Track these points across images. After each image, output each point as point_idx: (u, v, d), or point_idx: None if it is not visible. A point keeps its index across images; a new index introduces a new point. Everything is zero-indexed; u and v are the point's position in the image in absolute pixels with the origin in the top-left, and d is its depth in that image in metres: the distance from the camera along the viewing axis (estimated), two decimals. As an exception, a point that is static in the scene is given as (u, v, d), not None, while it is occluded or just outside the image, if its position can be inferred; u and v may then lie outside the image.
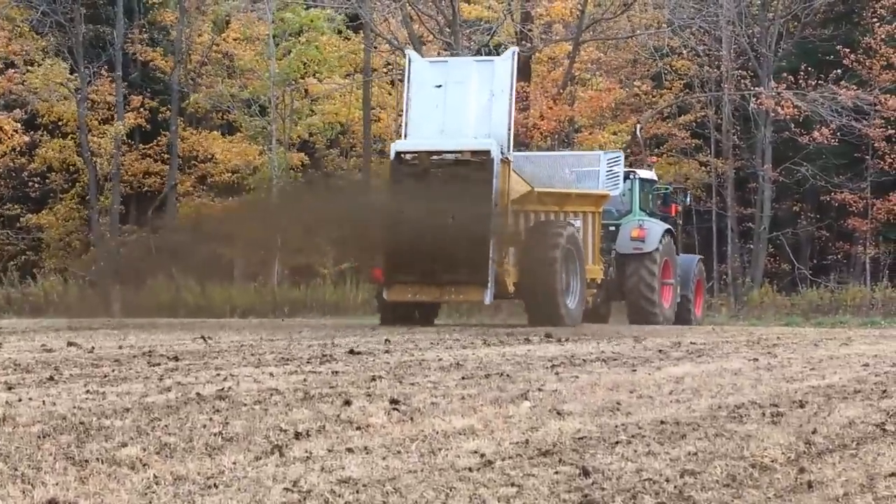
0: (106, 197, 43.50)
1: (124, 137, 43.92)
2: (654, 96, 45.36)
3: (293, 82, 43.82)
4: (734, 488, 7.64)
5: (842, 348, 19.71)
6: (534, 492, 7.38)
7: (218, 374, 13.35)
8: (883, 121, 41.59)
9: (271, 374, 13.41)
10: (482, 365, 15.08)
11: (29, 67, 42.33)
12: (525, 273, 25.69)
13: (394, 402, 10.84)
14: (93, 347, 17.47)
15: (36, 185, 44.13)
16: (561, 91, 41.52)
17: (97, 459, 8.01)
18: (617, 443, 9.03)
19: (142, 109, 43.77)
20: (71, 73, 42.34)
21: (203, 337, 19.99)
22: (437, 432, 9.32)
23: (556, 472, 7.89)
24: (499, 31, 41.45)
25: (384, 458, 8.26)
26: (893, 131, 41.91)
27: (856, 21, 44.94)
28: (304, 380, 12.82)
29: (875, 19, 42.92)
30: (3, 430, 9.05)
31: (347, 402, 10.78)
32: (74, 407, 10.35)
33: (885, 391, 12.73)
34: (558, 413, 10.45)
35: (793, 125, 41.60)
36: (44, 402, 10.69)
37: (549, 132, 41.18)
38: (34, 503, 6.97)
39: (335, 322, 29.69)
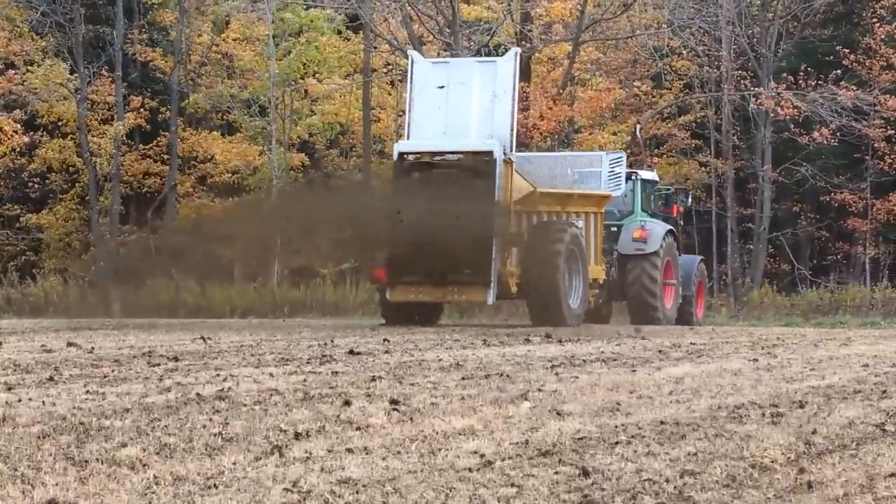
0: (106, 197, 43.49)
1: (124, 138, 43.91)
2: (653, 97, 45.36)
3: (293, 83, 43.81)
4: (734, 489, 7.64)
5: (842, 349, 19.70)
6: (534, 492, 7.38)
7: (218, 375, 13.35)
8: (883, 121, 41.58)
9: (271, 375, 13.41)
10: (482, 365, 15.08)
11: (29, 68, 42.32)
12: (528, 273, 25.74)
13: (394, 402, 10.85)
14: (92, 348, 17.46)
15: (36, 186, 44.12)
16: (561, 91, 41.52)
17: (97, 460, 8.01)
18: (617, 443, 9.03)
19: (142, 110, 43.76)
20: (71, 74, 42.33)
21: (203, 337, 19.99)
22: (437, 433, 9.32)
23: (556, 473, 7.89)
24: (498, 32, 41.45)
25: (384, 459, 8.26)
26: (893, 131, 41.90)
27: (855, 21, 44.94)
28: (304, 380, 12.82)
29: (875, 19, 42.91)
30: (3, 431, 9.05)
31: (347, 403, 10.78)
32: (74, 407, 10.36)
33: (884, 391, 12.74)
34: (558, 413, 10.45)
35: (792, 125, 41.60)
36: (43, 402, 10.69)
37: (549, 132, 41.18)
38: (34, 503, 6.97)
39: (335, 322, 29.70)
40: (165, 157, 44.44)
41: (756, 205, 43.22)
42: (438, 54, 38.96)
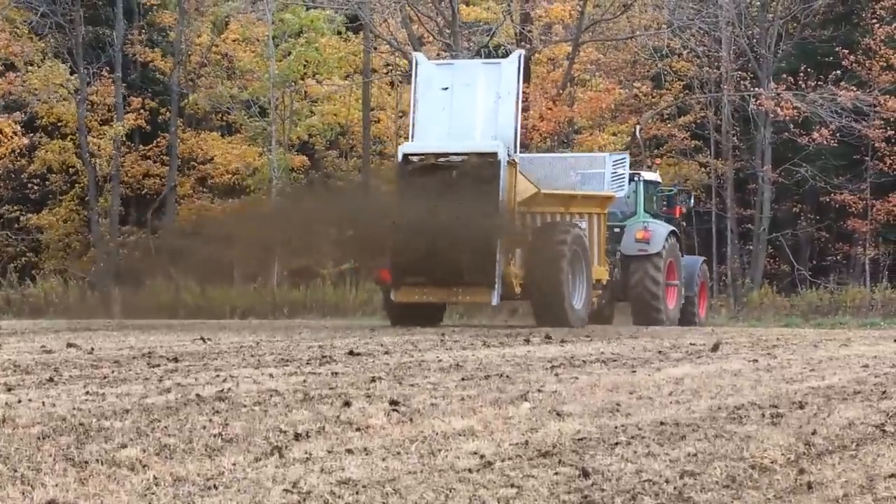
0: (105, 198, 43.48)
1: (124, 139, 43.92)
2: (653, 97, 45.35)
3: (293, 83, 43.81)
4: (734, 489, 7.64)
5: (841, 349, 19.70)
6: (533, 493, 7.39)
7: (217, 376, 13.35)
8: (882, 122, 41.57)
9: (271, 376, 13.41)
10: (482, 366, 15.09)
11: (29, 68, 42.32)
12: (532, 274, 25.82)
13: (393, 403, 10.85)
14: (92, 349, 17.46)
15: (35, 187, 44.12)
16: (560, 92, 41.51)
17: (97, 461, 8.01)
18: (616, 444, 9.03)
19: (141, 111, 43.75)
20: (70, 75, 42.32)
21: (203, 338, 20.00)
22: (437, 433, 9.32)
23: (556, 473, 7.89)
24: (498, 33, 41.46)
25: (384, 460, 8.26)
26: (893, 132, 41.89)
27: (855, 22, 44.93)
28: (304, 381, 12.82)
29: (874, 20, 42.91)
30: (3, 432, 9.05)
31: (347, 404, 10.78)
32: (74, 408, 10.36)
33: (884, 392, 12.73)
34: (558, 414, 10.45)
35: (792, 126, 41.59)
36: (43, 403, 10.69)
37: (549, 133, 41.18)
38: (34, 504, 6.98)
39: (335, 323, 29.71)
40: (165, 158, 44.44)
41: (756, 205, 43.21)
42: (438, 55, 38.96)
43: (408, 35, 40.67)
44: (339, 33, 45.73)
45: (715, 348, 18.64)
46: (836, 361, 16.96)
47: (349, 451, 8.53)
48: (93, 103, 43.61)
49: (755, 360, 16.59)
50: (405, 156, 25.82)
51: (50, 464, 7.91)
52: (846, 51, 42.24)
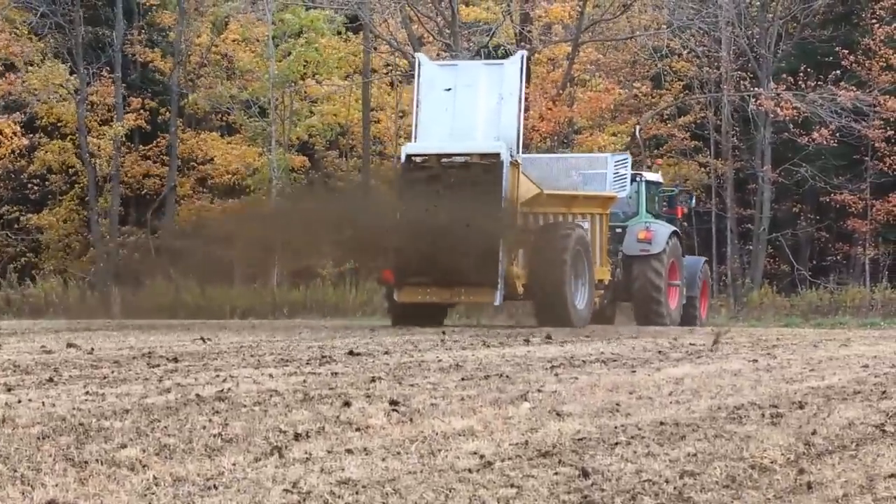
0: (105, 199, 43.49)
1: (123, 139, 43.92)
2: (653, 97, 45.36)
3: (293, 84, 43.81)
4: (734, 489, 7.64)
5: (841, 349, 19.70)
6: (533, 493, 7.39)
7: (217, 376, 13.35)
8: (882, 122, 41.59)
9: (271, 376, 13.41)
10: (482, 366, 15.09)
11: (29, 68, 42.32)
12: (534, 274, 25.86)
13: (393, 403, 10.85)
14: (92, 349, 17.46)
15: (35, 187, 44.13)
16: (560, 92, 41.51)
17: (97, 461, 8.01)
18: (616, 444, 9.04)
19: (141, 111, 43.76)
20: (70, 75, 42.32)
21: (202, 338, 20.00)
22: (437, 433, 9.32)
23: (556, 474, 7.89)
24: (498, 33, 41.47)
25: (384, 460, 8.26)
26: (893, 132, 41.90)
27: (855, 22, 44.94)
28: (304, 381, 12.82)
29: (874, 20, 42.92)
30: (3, 432, 9.05)
31: (347, 404, 10.78)
32: (74, 408, 10.36)
33: (884, 392, 12.73)
34: (558, 414, 10.45)
35: (792, 126, 41.60)
36: (43, 403, 10.69)
37: (549, 134, 41.18)
38: (34, 504, 6.98)
39: (335, 323, 29.71)
40: (165, 158, 44.45)
41: (756, 205, 43.22)
42: (438, 55, 38.97)
43: (408, 35, 40.68)
44: (339, 33, 45.74)
45: (716, 341, 18.64)
46: (836, 361, 16.96)
47: (349, 451, 8.53)
48: (93, 103, 43.61)
49: (755, 360, 16.59)
50: (408, 156, 25.88)
51: (50, 464, 7.91)
52: (846, 51, 42.25)
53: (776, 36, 42.98)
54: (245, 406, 10.62)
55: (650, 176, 31.08)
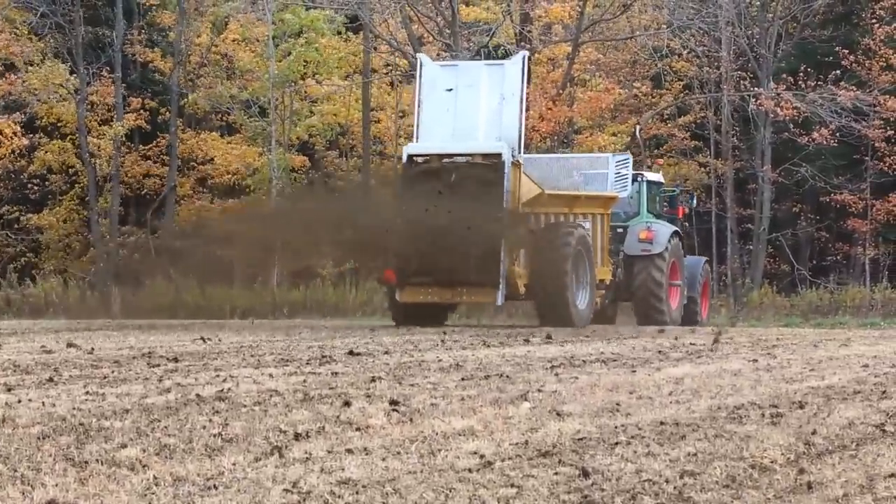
0: (105, 198, 43.48)
1: (123, 139, 43.92)
2: (653, 97, 45.36)
3: (293, 84, 43.81)
4: (734, 489, 7.64)
5: (841, 349, 19.70)
6: (533, 493, 7.39)
7: (217, 376, 13.35)
8: (882, 122, 41.59)
9: (271, 376, 13.41)
10: (482, 366, 15.09)
11: (29, 68, 42.32)
12: (536, 274, 25.88)
13: (393, 403, 10.85)
14: (92, 349, 17.47)
15: (35, 187, 44.13)
16: (560, 92, 41.51)
17: (97, 461, 8.01)
18: (616, 444, 9.03)
19: (141, 111, 43.75)
20: (70, 75, 42.32)
21: (203, 338, 20.01)
22: (437, 433, 9.32)
23: (556, 473, 7.89)
24: (498, 33, 41.46)
25: (384, 459, 8.26)
26: (893, 132, 41.91)
27: (855, 22, 44.95)
28: (304, 381, 12.82)
29: (874, 20, 42.92)
30: (3, 432, 9.05)
31: (347, 404, 10.78)
32: (74, 408, 10.36)
33: (884, 392, 12.74)
34: (558, 414, 10.45)
35: (792, 126, 41.61)
36: (43, 403, 10.69)
37: (549, 134, 41.18)
38: (34, 504, 6.98)
39: (335, 323, 29.71)
40: (165, 158, 44.44)
41: (756, 205, 43.22)
42: (438, 55, 38.97)
43: (408, 35, 40.67)
44: (339, 33, 45.74)
45: (716, 341, 18.63)
46: (836, 361, 16.96)
47: (349, 451, 8.53)
48: (93, 103, 43.60)
49: (755, 360, 16.59)
50: (410, 156, 25.91)
51: (50, 464, 7.91)
52: (846, 51, 42.25)
53: (776, 36, 42.98)
54: (245, 406, 10.62)
55: (651, 176, 31.10)
